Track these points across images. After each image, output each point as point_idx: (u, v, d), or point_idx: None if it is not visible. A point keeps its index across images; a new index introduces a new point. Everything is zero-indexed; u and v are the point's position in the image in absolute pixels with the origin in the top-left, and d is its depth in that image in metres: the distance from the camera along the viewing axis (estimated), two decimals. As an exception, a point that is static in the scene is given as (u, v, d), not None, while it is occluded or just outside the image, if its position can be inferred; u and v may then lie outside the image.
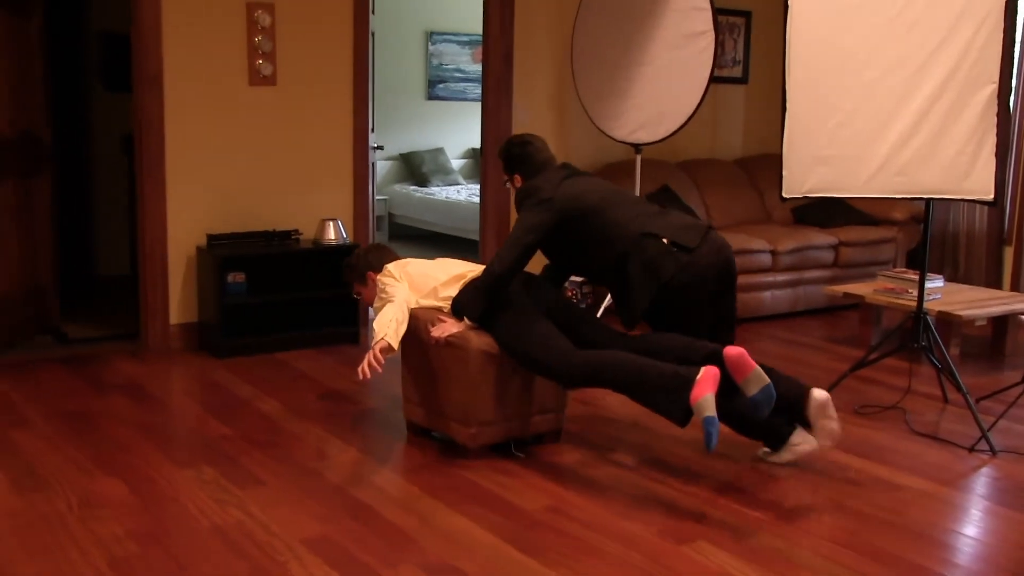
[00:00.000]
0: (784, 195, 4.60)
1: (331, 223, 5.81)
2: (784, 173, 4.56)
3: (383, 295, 4.15)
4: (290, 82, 5.88)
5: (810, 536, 3.36)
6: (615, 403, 4.75)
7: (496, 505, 3.56)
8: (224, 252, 5.46)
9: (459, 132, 11.03)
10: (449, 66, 10.92)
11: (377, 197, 8.46)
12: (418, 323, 4.09)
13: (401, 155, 10.63)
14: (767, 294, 6.62)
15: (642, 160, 6.23)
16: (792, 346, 6.04)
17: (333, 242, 5.79)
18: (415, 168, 10.56)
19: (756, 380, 3.49)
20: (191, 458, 3.96)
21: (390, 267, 4.28)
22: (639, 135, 6.06)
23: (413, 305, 4.13)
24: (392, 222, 10.43)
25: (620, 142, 6.25)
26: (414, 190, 10.30)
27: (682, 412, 3.49)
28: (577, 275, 4.42)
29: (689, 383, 3.46)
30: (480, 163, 6.87)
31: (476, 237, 8.33)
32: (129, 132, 6.46)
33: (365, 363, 3.79)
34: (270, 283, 5.73)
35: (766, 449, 4.05)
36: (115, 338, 5.87)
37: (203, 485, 3.68)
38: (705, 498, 3.65)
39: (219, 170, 5.72)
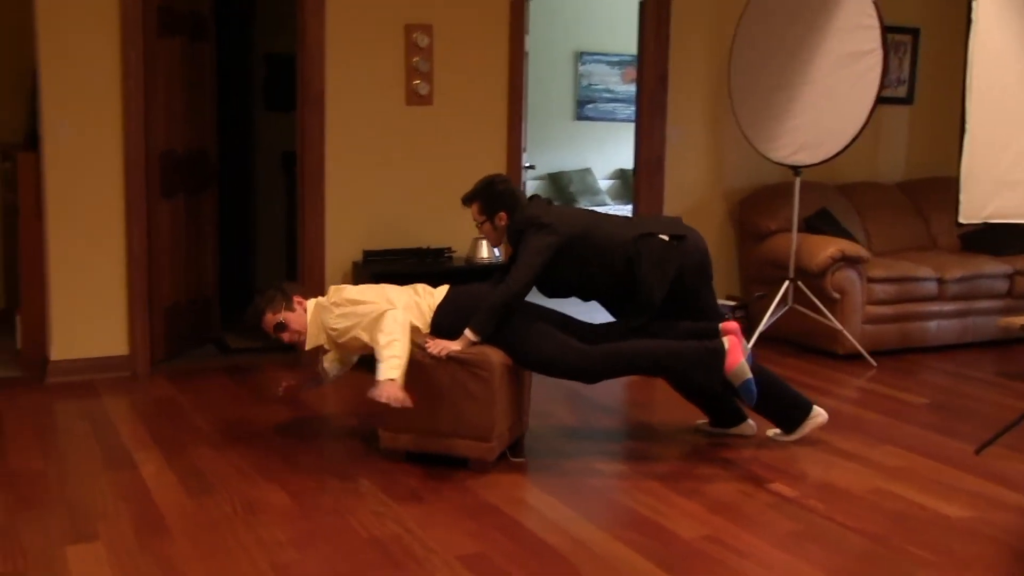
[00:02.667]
0: (961, 220, 4.40)
1: (484, 242, 5.85)
2: (962, 197, 4.35)
3: (353, 316, 4.04)
4: (446, 102, 5.95)
5: (987, 579, 3.18)
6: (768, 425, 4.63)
7: (651, 531, 3.49)
8: (379, 268, 5.54)
9: (607, 153, 11.00)
10: (598, 86, 10.91)
11: (526, 217, 8.49)
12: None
13: (549, 175, 10.66)
14: (932, 324, 6.33)
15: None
16: (960, 380, 5.75)
17: (486, 261, 5.82)
18: (562, 188, 10.57)
19: (744, 350, 4.08)
20: (349, 470, 4.02)
21: (349, 290, 4.18)
22: (799, 157, 5.91)
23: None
24: (539, 242, 10.44)
25: (778, 164, 6.11)
26: (561, 210, 10.30)
27: (720, 381, 4.06)
28: (569, 295, 4.40)
29: (721, 354, 4.01)
30: (632, 183, 6.81)
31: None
32: (288, 150, 6.66)
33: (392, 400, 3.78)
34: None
35: (777, 431, 4.51)
36: (273, 350, 6.02)
37: (360, 497, 3.73)
38: (872, 535, 3.50)
39: (376, 188, 5.83)
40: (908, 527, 3.58)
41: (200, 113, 5.97)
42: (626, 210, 9.50)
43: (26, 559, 3.17)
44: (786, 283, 6.04)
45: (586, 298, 4.40)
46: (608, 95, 10.99)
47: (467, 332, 3.99)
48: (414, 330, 4.05)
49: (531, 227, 4.16)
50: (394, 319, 3.93)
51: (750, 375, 4.02)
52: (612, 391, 5.27)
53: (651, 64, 6.54)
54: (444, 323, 4.10)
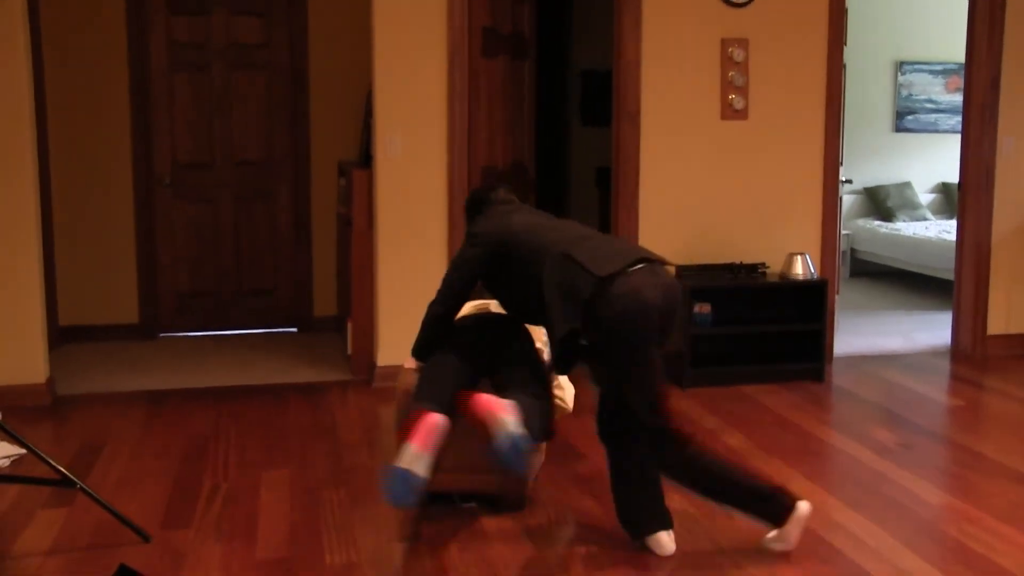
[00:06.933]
0: None
1: (799, 258, 5.69)
2: None
3: None
4: (761, 116, 5.85)
5: None
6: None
7: (986, 568, 3.26)
8: (692, 283, 5.52)
9: (928, 165, 10.40)
10: (920, 96, 10.35)
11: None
12: None
13: (865, 189, 10.23)
14: None
15: None
16: None
17: (800, 277, 5.66)
18: (879, 203, 10.10)
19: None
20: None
21: None
22: None
23: None
24: (854, 258, 10.04)
25: None
26: (879, 225, 9.85)
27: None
28: (524, 319, 3.74)
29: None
30: (957, 197, 6.40)
31: (946, 276, 7.80)
32: (602, 165, 6.77)
33: None
34: (734, 315, 5.73)
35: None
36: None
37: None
38: None
39: (688, 202, 5.81)
40: None
41: (519, 128, 6.19)
42: (950, 225, 8.95)
43: (359, 552, 3.40)
44: None
45: (523, 318, 3.73)
46: (930, 105, 10.41)
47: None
48: None
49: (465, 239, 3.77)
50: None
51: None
52: (928, 410, 4.98)
53: (981, 69, 6.13)
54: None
